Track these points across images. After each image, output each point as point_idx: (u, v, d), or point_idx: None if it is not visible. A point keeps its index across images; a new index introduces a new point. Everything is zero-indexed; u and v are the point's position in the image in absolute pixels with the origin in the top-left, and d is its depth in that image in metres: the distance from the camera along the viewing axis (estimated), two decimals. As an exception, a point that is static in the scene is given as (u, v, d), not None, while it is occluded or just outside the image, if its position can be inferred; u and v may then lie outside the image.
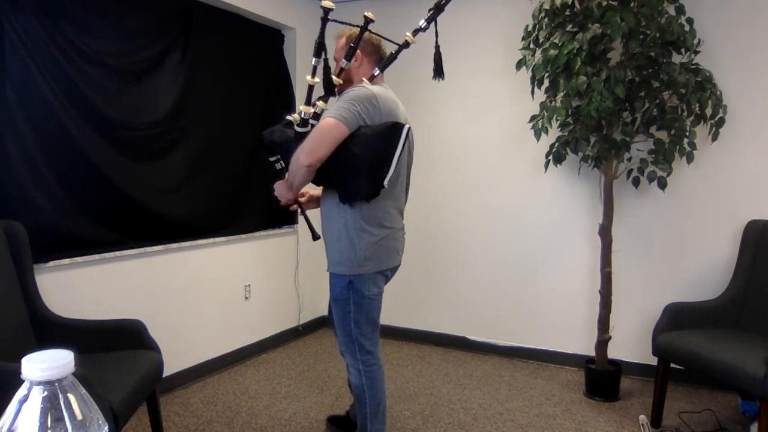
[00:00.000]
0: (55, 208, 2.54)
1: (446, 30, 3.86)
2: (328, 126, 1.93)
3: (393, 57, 2.14)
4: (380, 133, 1.94)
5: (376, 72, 2.13)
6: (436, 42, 2.11)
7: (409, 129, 1.95)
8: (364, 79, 2.11)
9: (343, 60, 2.11)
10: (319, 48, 2.01)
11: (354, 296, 2.08)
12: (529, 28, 2.99)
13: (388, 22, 3.91)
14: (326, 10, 1.99)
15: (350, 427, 2.55)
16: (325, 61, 2.03)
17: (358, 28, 2.08)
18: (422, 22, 2.06)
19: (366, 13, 2.05)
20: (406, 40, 2.08)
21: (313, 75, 2.07)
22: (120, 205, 2.82)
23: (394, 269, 2.24)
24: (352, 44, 2.09)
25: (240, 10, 3.43)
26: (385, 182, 1.93)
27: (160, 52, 3.03)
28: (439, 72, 2.16)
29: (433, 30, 2.09)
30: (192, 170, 3.24)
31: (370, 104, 1.98)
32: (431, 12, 2.05)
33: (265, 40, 3.78)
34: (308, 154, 1.93)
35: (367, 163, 1.93)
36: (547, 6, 2.83)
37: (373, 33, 2.15)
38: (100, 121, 2.71)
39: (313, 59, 2.03)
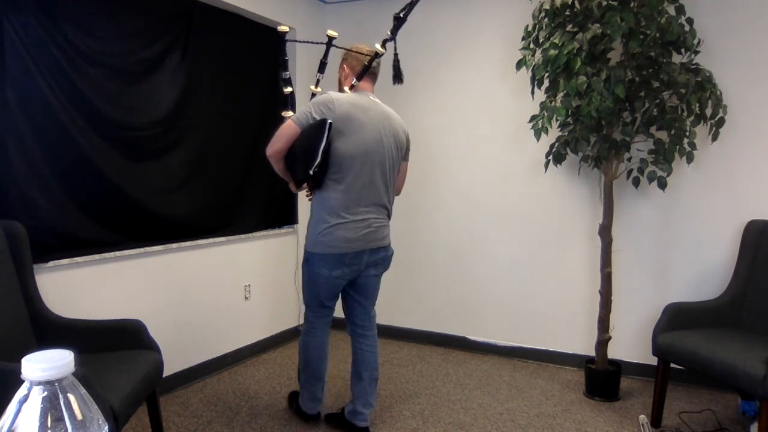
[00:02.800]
0: (55, 208, 2.54)
1: (446, 30, 3.89)
2: (284, 126, 2.34)
3: (366, 67, 2.44)
4: (312, 128, 2.28)
5: (354, 81, 2.44)
6: (395, 50, 2.43)
7: (330, 124, 2.24)
8: (346, 87, 2.45)
9: (317, 72, 2.57)
10: (285, 64, 2.52)
11: (308, 271, 2.47)
12: (529, 28, 2.99)
13: (386, 22, 3.92)
14: (282, 34, 2.50)
15: (346, 426, 2.60)
16: (282, 73, 2.58)
17: (346, 50, 2.50)
18: (388, 33, 2.39)
19: (328, 32, 2.51)
20: (376, 51, 2.41)
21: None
22: (120, 205, 2.82)
23: (362, 261, 2.41)
24: (323, 60, 2.57)
25: (240, 10, 3.43)
26: (311, 170, 2.25)
27: (160, 52, 3.03)
28: (397, 77, 2.48)
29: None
30: (192, 170, 3.24)
31: (325, 107, 2.29)
32: (395, 23, 2.36)
33: (265, 40, 3.78)
34: (269, 147, 2.36)
35: (301, 154, 2.30)
36: (547, 6, 2.83)
37: (354, 51, 2.48)
38: (101, 121, 2.70)
39: (283, 73, 2.62)
